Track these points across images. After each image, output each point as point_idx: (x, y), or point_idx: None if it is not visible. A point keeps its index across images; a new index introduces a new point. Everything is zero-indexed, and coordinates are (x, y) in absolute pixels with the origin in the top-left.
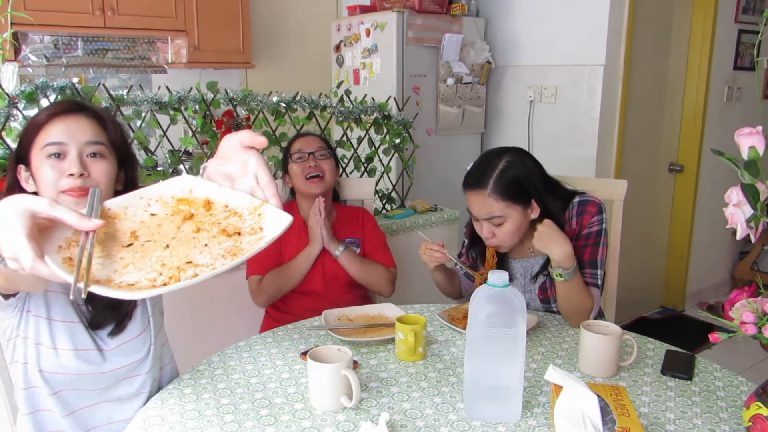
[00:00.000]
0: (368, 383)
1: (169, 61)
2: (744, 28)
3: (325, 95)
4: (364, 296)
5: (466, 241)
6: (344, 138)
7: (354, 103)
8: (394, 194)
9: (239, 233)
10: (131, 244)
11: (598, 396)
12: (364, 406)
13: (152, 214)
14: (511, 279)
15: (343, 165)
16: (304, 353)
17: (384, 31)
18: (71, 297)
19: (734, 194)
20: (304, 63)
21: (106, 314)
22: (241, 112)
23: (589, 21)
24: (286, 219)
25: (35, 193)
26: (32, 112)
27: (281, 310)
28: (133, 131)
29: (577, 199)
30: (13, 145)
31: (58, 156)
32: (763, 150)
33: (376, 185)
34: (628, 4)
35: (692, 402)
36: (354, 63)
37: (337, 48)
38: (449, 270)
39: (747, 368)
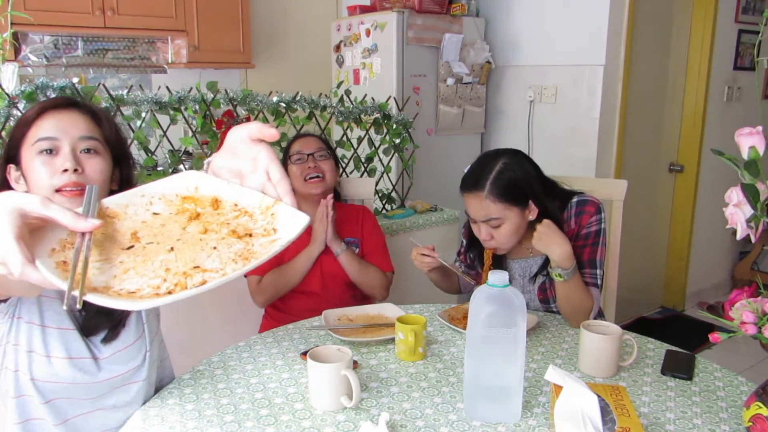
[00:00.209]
0: (368, 383)
1: (169, 61)
2: (744, 28)
3: (325, 95)
4: (363, 296)
5: (465, 242)
6: (344, 138)
7: (354, 103)
8: (394, 194)
9: (250, 235)
10: (132, 247)
11: (598, 396)
12: (364, 406)
13: (155, 214)
14: (510, 280)
15: (343, 165)
16: (304, 353)
17: (384, 31)
18: (64, 306)
19: (734, 194)
20: (304, 63)
21: (99, 319)
22: (241, 112)
23: (589, 21)
24: (302, 219)
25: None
26: None
27: (280, 310)
28: (133, 131)
29: (575, 199)
30: None
31: (50, 152)
32: (763, 150)
33: (376, 185)
34: (628, 4)
35: (692, 402)
36: (354, 63)
37: (337, 48)
38: (445, 268)
39: (747, 368)
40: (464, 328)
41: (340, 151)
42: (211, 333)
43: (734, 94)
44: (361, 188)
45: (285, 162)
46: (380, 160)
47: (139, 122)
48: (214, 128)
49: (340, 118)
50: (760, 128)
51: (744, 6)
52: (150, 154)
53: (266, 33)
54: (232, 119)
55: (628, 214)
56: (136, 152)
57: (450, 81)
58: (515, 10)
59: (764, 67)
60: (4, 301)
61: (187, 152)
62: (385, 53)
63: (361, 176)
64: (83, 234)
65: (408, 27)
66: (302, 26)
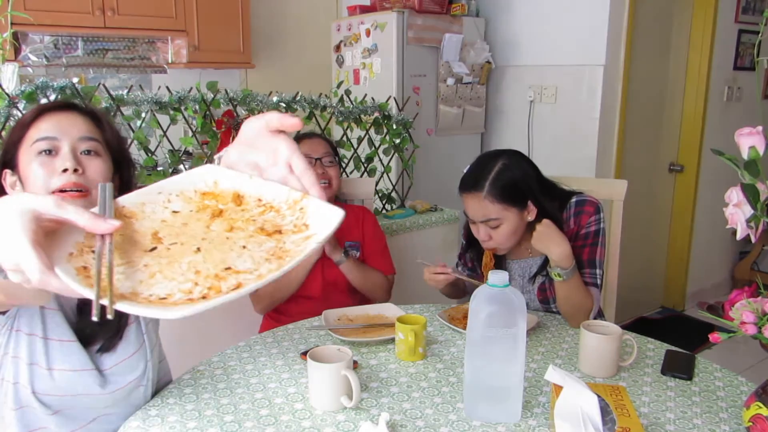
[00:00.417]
0: (368, 383)
1: (169, 61)
2: (744, 28)
3: (325, 95)
4: (364, 299)
5: (464, 243)
6: (344, 138)
7: (354, 103)
8: (394, 194)
9: (280, 231)
10: (155, 248)
11: (598, 396)
12: (364, 406)
13: (174, 212)
14: (509, 280)
15: (343, 165)
16: (304, 353)
17: (384, 31)
18: (94, 317)
19: (734, 194)
20: (304, 63)
21: (95, 330)
22: (241, 112)
23: (589, 21)
24: (336, 214)
25: None
26: None
27: (281, 313)
28: (133, 131)
29: (574, 200)
30: None
31: (49, 153)
32: (763, 150)
33: (376, 185)
34: (628, 4)
35: (692, 402)
36: (354, 63)
37: (337, 48)
38: (457, 282)
39: (747, 368)
40: (464, 328)
41: (340, 151)
42: (211, 333)
43: (734, 94)
44: (361, 188)
45: None
46: (380, 160)
47: (139, 122)
48: (214, 128)
49: (340, 118)
50: (760, 128)
51: (744, 6)
52: (150, 154)
53: (266, 33)
54: (232, 119)
55: (628, 214)
56: (136, 152)
57: (450, 81)
58: (515, 10)
59: (764, 67)
60: (3, 313)
61: (187, 152)
62: (385, 53)
63: (361, 176)
64: (103, 236)
65: (408, 27)
66: (302, 26)
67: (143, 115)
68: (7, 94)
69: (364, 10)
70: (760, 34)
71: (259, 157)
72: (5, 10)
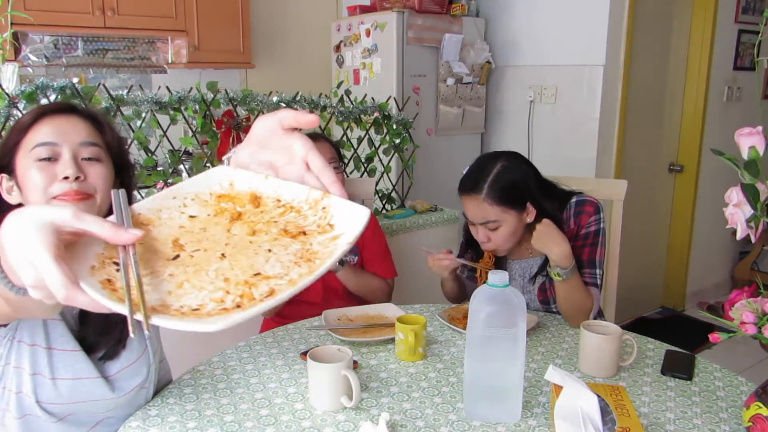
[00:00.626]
0: (368, 383)
1: (169, 61)
2: (744, 28)
3: (325, 95)
4: (364, 304)
5: (464, 243)
6: (344, 138)
7: (354, 103)
8: (394, 194)
9: (304, 233)
10: (177, 256)
11: (598, 396)
12: (364, 406)
13: (191, 216)
14: (509, 280)
15: (344, 165)
16: (304, 353)
17: (384, 31)
18: (131, 334)
19: (734, 194)
20: (304, 63)
21: (98, 338)
22: (241, 112)
23: (589, 21)
24: (362, 213)
25: (20, 205)
26: None
27: (282, 316)
28: (133, 131)
29: (574, 200)
30: None
31: (49, 159)
32: (763, 150)
33: (376, 185)
34: (628, 4)
35: (692, 402)
36: (354, 63)
37: (337, 48)
38: (460, 277)
39: (747, 368)
40: (464, 328)
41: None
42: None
43: (734, 94)
44: (361, 188)
45: None
46: (380, 160)
47: (139, 122)
48: (214, 128)
49: (340, 118)
50: (760, 128)
51: (744, 6)
52: (150, 154)
53: (266, 33)
54: (232, 119)
55: (628, 214)
56: (136, 152)
57: (450, 81)
58: (515, 10)
59: (764, 67)
60: (5, 325)
61: (187, 152)
62: (385, 53)
63: (361, 176)
64: (125, 247)
65: (408, 27)
66: (302, 26)
67: (143, 115)
68: (7, 94)
69: (364, 10)
70: (760, 34)
71: (273, 155)
72: (5, 10)
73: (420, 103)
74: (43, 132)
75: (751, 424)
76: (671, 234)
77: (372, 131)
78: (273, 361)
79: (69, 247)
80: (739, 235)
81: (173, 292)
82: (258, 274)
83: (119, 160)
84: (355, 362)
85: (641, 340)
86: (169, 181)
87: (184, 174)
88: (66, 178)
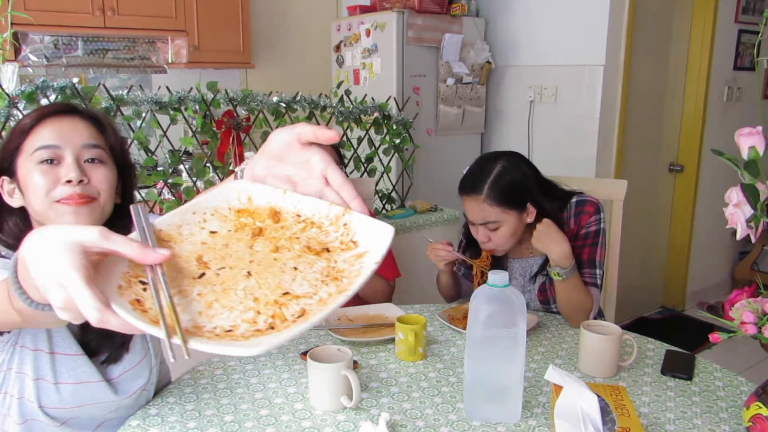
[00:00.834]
0: (368, 383)
1: (169, 61)
2: (744, 28)
3: (325, 95)
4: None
5: (464, 242)
6: (344, 138)
7: (354, 103)
8: (394, 194)
9: (328, 250)
10: (203, 274)
11: (598, 396)
12: (364, 406)
13: (212, 232)
14: (509, 280)
15: (344, 165)
16: (304, 353)
17: (384, 31)
18: (171, 359)
19: (734, 194)
20: (304, 63)
21: (100, 342)
22: (241, 112)
23: (589, 21)
24: (386, 230)
25: (21, 209)
26: None
27: None
28: (133, 131)
29: (574, 200)
30: None
31: (51, 162)
32: (763, 150)
33: (376, 185)
34: (628, 4)
35: (692, 402)
36: (354, 63)
37: (337, 48)
38: (456, 273)
39: (747, 368)
40: (464, 328)
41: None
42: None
43: (734, 94)
44: (361, 188)
45: None
46: (380, 160)
47: (139, 122)
48: (214, 128)
49: (340, 118)
50: (760, 128)
51: (744, 6)
52: (150, 154)
53: (266, 33)
54: (232, 119)
55: (628, 214)
56: (136, 152)
57: (450, 81)
58: (515, 10)
59: (764, 67)
60: (8, 331)
61: (187, 152)
62: (385, 53)
63: (361, 176)
64: (153, 267)
65: (408, 27)
66: (302, 26)
67: (143, 115)
68: (7, 94)
69: (364, 10)
70: (760, 34)
71: (290, 169)
72: (5, 10)
73: (420, 103)
74: (45, 134)
75: (751, 424)
76: (671, 234)
77: (372, 131)
78: (273, 361)
79: (95, 266)
80: (739, 235)
81: (204, 313)
82: (287, 293)
83: (121, 161)
84: (355, 362)
85: (641, 340)
86: (169, 181)
87: (184, 174)
88: (69, 181)
